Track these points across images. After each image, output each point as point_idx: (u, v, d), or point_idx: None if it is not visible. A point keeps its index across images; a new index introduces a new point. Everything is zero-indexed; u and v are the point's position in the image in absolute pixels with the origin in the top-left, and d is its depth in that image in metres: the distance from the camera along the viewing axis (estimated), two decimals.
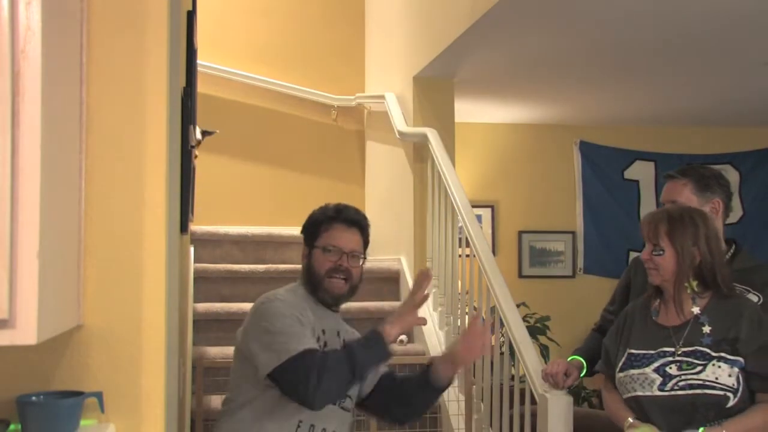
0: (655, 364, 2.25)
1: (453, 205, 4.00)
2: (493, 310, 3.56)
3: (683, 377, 2.20)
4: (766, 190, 6.35)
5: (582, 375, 2.77)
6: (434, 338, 4.21)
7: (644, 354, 2.28)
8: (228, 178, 5.42)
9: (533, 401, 2.95)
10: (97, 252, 1.69)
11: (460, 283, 4.07)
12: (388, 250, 5.09)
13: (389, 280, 4.82)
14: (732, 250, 2.57)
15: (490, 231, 6.14)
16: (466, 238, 3.84)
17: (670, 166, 6.17)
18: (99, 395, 1.63)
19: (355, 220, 2.38)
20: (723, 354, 2.19)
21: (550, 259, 6.25)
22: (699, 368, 2.19)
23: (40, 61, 1.31)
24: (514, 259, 6.17)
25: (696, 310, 2.27)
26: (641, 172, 6.31)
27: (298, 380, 2.04)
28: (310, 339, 2.14)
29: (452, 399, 3.78)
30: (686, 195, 2.56)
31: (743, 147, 6.38)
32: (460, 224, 3.95)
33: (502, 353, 3.43)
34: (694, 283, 2.27)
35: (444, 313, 4.17)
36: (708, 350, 2.20)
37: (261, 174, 5.43)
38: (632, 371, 2.28)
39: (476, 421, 3.56)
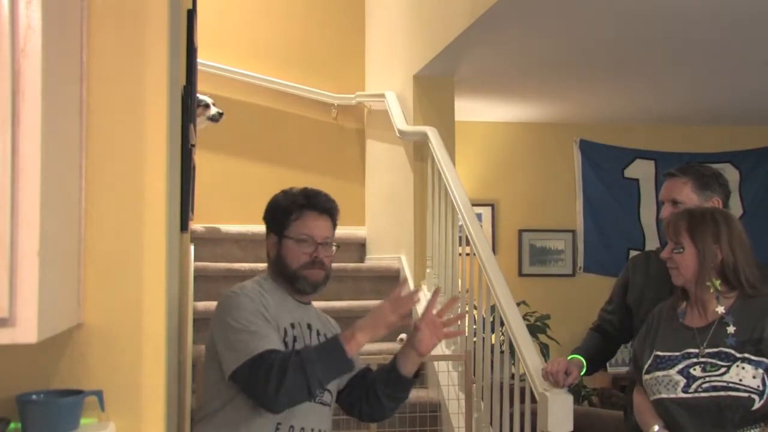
0: (680, 366, 2.22)
1: (453, 203, 4.00)
2: (493, 308, 3.56)
3: (707, 379, 2.17)
4: (766, 189, 6.35)
5: (582, 374, 2.77)
6: None
7: (669, 356, 2.26)
8: (228, 177, 5.43)
9: (533, 400, 2.95)
10: (97, 251, 1.69)
11: (460, 281, 4.07)
12: (388, 248, 5.09)
13: (389, 279, 4.82)
14: None
15: (490, 229, 6.15)
16: (467, 237, 3.84)
17: (670, 164, 6.17)
18: (99, 394, 1.63)
19: (326, 207, 2.28)
20: (747, 355, 2.16)
21: (550, 257, 6.25)
22: (723, 370, 2.16)
23: (41, 59, 1.31)
24: (514, 257, 6.18)
25: (721, 309, 2.24)
26: (641, 170, 6.32)
27: (258, 383, 1.97)
28: (273, 337, 2.07)
29: (452, 398, 3.78)
30: (686, 193, 2.57)
31: (743, 146, 6.38)
32: (460, 223, 3.95)
33: (502, 352, 3.43)
34: (717, 282, 2.24)
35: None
36: (732, 351, 2.17)
37: (261, 172, 5.42)
38: (657, 373, 2.26)
39: (476, 419, 3.56)
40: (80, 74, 1.68)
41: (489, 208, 6.19)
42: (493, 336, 3.58)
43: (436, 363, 4.01)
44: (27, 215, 1.30)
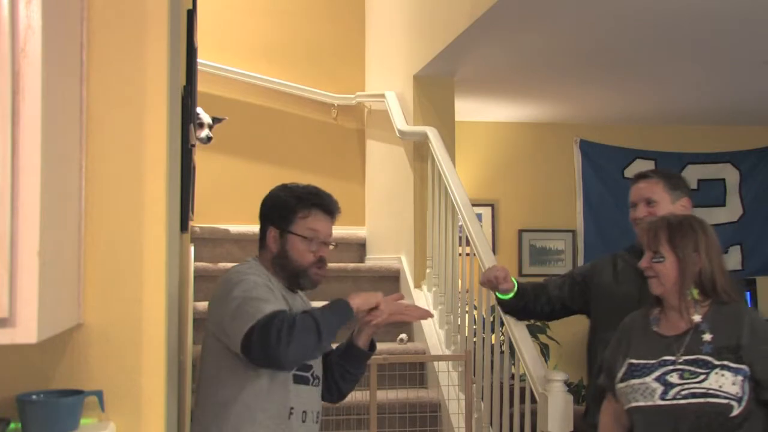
0: (656, 373, 2.22)
1: (453, 203, 4.00)
2: (493, 308, 3.56)
3: (686, 386, 2.17)
4: (765, 189, 6.35)
5: (512, 294, 2.84)
6: (434, 337, 4.21)
7: (645, 363, 2.26)
8: (228, 177, 5.42)
9: (533, 400, 2.95)
10: (97, 251, 1.69)
11: (460, 282, 4.07)
12: (388, 248, 5.09)
13: (389, 279, 4.82)
14: None
15: (490, 230, 6.14)
16: (467, 237, 3.84)
17: (671, 164, 6.23)
18: (99, 394, 1.63)
19: (333, 209, 2.33)
20: (726, 362, 2.17)
21: (551, 257, 6.25)
22: (702, 377, 2.16)
23: (41, 59, 1.31)
24: (514, 257, 6.17)
25: (697, 318, 2.24)
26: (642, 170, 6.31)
27: (269, 340, 1.98)
28: (279, 302, 2.13)
29: (452, 398, 3.78)
30: (660, 193, 2.64)
31: (743, 146, 6.38)
32: (460, 223, 3.95)
33: (502, 352, 3.43)
34: (696, 291, 2.25)
35: (444, 311, 4.17)
36: (710, 358, 2.18)
37: (261, 172, 5.42)
38: (633, 381, 2.26)
39: (476, 419, 3.56)
40: (80, 74, 1.68)
41: (489, 208, 6.19)
42: (493, 336, 3.58)
43: (436, 363, 4.01)
44: (27, 215, 1.30)
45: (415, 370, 4.08)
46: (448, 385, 3.81)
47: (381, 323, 2.28)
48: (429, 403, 3.91)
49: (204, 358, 2.25)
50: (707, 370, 2.17)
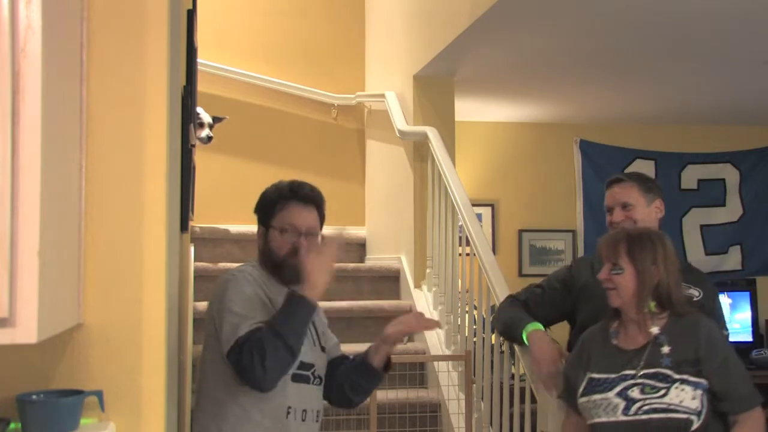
0: (618, 389, 2.24)
1: (453, 203, 4.00)
2: (493, 308, 3.56)
3: (647, 401, 2.20)
4: (766, 189, 6.35)
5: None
6: (434, 337, 4.21)
7: (606, 378, 2.28)
8: (228, 177, 5.42)
9: (533, 400, 2.95)
10: (97, 251, 1.69)
11: (460, 282, 4.07)
12: (388, 248, 5.09)
13: (389, 279, 4.82)
14: None
15: (490, 230, 6.14)
16: (467, 237, 3.84)
17: (671, 164, 6.23)
18: (99, 394, 1.63)
19: (310, 197, 2.33)
20: (686, 376, 2.20)
21: (551, 257, 6.24)
22: (662, 391, 2.19)
23: (41, 59, 1.31)
24: (514, 257, 6.17)
25: (655, 330, 2.27)
26: (641, 170, 6.29)
27: (244, 368, 2.03)
28: (255, 313, 2.12)
29: (452, 398, 3.78)
30: (635, 196, 2.68)
31: (743, 146, 6.38)
32: (460, 223, 3.95)
33: (502, 352, 3.43)
34: (653, 304, 2.27)
35: (444, 312, 4.17)
36: (670, 372, 2.21)
37: (261, 172, 5.41)
38: (595, 396, 2.27)
39: (476, 419, 3.56)
40: (80, 74, 1.68)
41: (489, 208, 6.19)
42: (493, 336, 3.58)
43: (436, 363, 4.01)
44: (27, 215, 1.30)
45: (415, 370, 4.08)
46: (448, 385, 3.81)
47: (400, 335, 2.32)
48: (429, 403, 3.91)
49: (204, 358, 2.26)
50: (667, 385, 2.19)
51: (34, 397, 1.59)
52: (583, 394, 2.30)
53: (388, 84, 5.18)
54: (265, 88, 5.57)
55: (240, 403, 2.15)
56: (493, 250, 4.48)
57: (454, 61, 4.41)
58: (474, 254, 3.74)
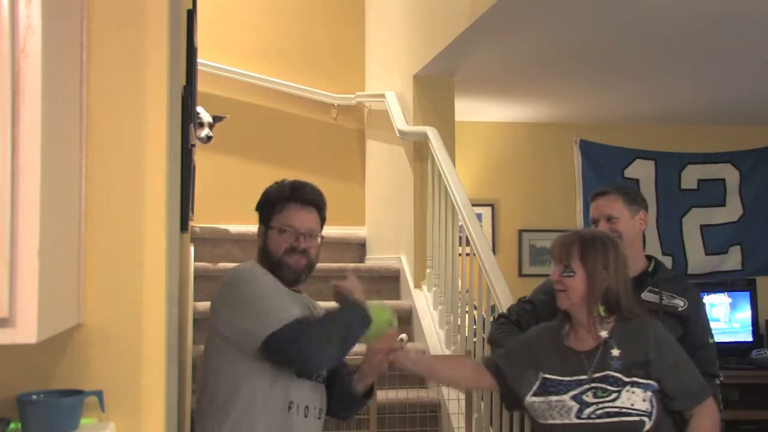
0: (573, 392, 2.28)
1: (453, 203, 4.00)
2: (493, 308, 3.56)
3: (600, 405, 2.24)
4: (766, 189, 6.35)
5: None
6: (434, 337, 4.21)
7: (560, 380, 2.31)
8: (228, 177, 5.42)
9: None
10: (97, 251, 1.69)
11: (460, 282, 4.07)
12: (388, 248, 5.09)
13: (389, 279, 4.82)
14: (652, 264, 2.73)
15: (490, 230, 6.14)
16: (467, 237, 3.84)
17: (670, 164, 6.23)
18: (99, 394, 1.63)
19: (310, 199, 2.34)
20: (635, 379, 2.24)
21: (551, 257, 6.24)
22: (614, 395, 2.24)
23: (41, 59, 1.31)
24: (514, 257, 6.17)
25: (604, 334, 2.31)
26: (641, 170, 6.31)
27: (300, 344, 2.05)
28: (298, 308, 2.16)
29: (452, 398, 3.78)
30: (619, 208, 2.71)
31: (743, 146, 6.37)
32: (460, 223, 3.95)
33: None
34: (602, 308, 2.31)
35: (444, 312, 4.17)
36: (620, 375, 2.25)
37: (261, 172, 5.41)
38: (551, 398, 2.30)
39: (476, 419, 3.55)
40: (80, 74, 1.68)
41: (489, 208, 6.19)
42: None
43: None
44: (27, 215, 1.30)
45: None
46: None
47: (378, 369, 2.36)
48: (429, 403, 3.91)
49: (207, 357, 2.26)
50: (618, 388, 2.24)
51: (34, 397, 1.58)
52: (538, 394, 2.34)
53: (388, 84, 5.18)
54: (265, 88, 5.57)
55: (244, 398, 2.16)
56: (493, 250, 4.48)
57: (454, 61, 4.41)
58: (474, 254, 3.74)
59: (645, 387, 2.24)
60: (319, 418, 2.29)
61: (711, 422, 2.32)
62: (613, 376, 2.25)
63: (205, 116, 4.56)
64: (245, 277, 2.21)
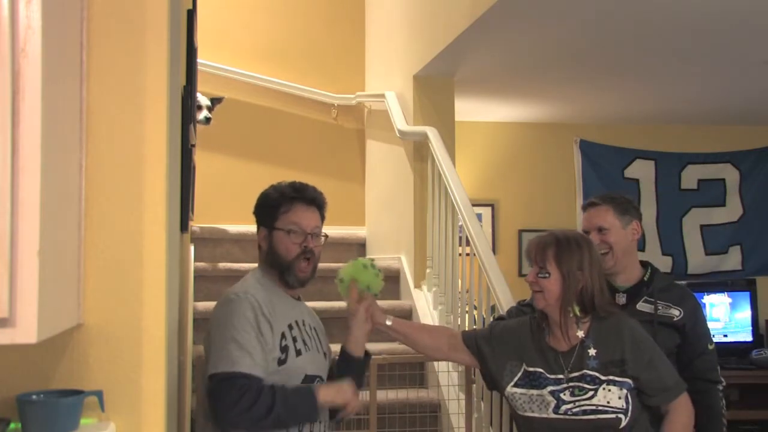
0: (551, 387, 2.33)
1: (453, 203, 4.00)
2: (493, 308, 3.56)
3: (577, 403, 2.29)
4: (766, 189, 6.35)
5: None
6: None
7: (541, 374, 2.36)
8: (228, 177, 5.43)
9: None
10: (97, 251, 1.69)
11: (460, 282, 4.07)
12: (388, 248, 5.09)
13: (389, 279, 4.80)
14: (648, 273, 2.72)
15: (490, 230, 6.14)
16: (467, 237, 3.84)
17: (671, 164, 6.23)
18: (99, 394, 1.63)
19: (314, 198, 2.36)
20: (612, 377, 2.29)
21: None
22: (591, 393, 2.29)
23: (41, 59, 1.31)
24: (514, 257, 6.17)
25: (581, 334, 2.35)
26: (641, 170, 6.32)
27: (224, 400, 2.04)
28: (256, 357, 2.10)
29: (452, 398, 3.78)
30: (610, 219, 2.71)
31: (743, 146, 6.38)
32: (460, 223, 3.95)
33: None
34: (577, 309, 2.34)
35: (444, 312, 4.17)
36: (596, 374, 2.30)
37: (261, 172, 5.42)
38: (532, 391, 2.35)
39: (476, 419, 3.55)
40: (80, 74, 1.68)
41: (489, 208, 6.19)
42: None
43: (436, 363, 4.01)
44: (27, 215, 1.30)
45: (415, 370, 4.08)
46: (448, 385, 3.81)
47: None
48: (429, 403, 3.91)
49: (207, 357, 2.26)
50: (595, 386, 2.29)
51: (34, 397, 1.59)
52: (519, 386, 2.38)
53: (388, 84, 5.19)
54: (265, 88, 5.58)
55: None
56: (493, 250, 4.48)
57: (454, 61, 4.41)
58: (474, 254, 3.74)
59: (621, 385, 2.29)
60: (321, 421, 2.28)
61: (686, 416, 2.38)
62: (590, 375, 2.30)
63: (203, 100, 4.58)
64: (229, 308, 2.17)
